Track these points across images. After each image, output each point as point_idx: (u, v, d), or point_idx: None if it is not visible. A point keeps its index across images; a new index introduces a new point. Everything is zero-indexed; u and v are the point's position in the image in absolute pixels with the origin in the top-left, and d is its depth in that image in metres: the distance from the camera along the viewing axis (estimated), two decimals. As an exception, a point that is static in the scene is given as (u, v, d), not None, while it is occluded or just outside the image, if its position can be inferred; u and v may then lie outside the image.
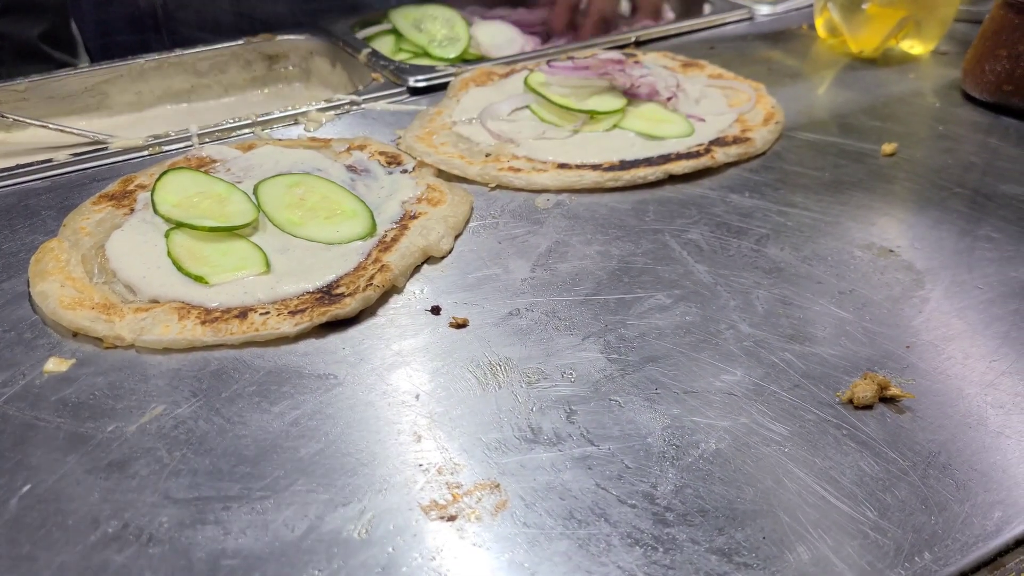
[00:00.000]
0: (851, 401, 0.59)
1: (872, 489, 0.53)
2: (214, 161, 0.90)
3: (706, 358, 0.64)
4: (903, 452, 0.56)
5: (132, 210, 0.82)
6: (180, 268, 0.72)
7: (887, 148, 0.92)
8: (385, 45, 1.28)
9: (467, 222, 0.82)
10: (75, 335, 0.68)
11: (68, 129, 1.10)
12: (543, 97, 0.98)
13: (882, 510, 0.51)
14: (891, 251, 0.76)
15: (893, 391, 0.59)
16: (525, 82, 1.02)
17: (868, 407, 0.59)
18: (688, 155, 0.89)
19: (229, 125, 0.99)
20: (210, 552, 0.49)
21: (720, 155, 0.89)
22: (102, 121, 1.18)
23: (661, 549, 0.49)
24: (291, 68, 1.29)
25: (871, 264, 0.74)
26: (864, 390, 0.59)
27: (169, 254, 0.73)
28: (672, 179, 0.87)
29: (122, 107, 1.20)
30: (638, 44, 1.24)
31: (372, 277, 0.71)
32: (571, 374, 0.63)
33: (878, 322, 0.67)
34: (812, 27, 1.27)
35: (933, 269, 0.73)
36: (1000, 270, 0.73)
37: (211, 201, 0.79)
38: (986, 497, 0.52)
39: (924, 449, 0.56)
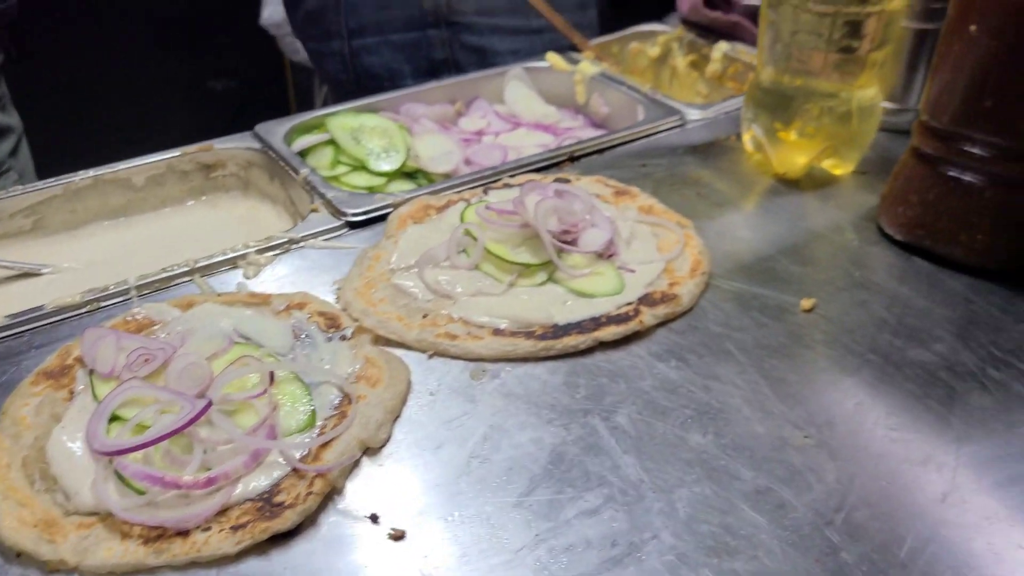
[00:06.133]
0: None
1: None
2: (153, 323, 0.91)
3: (630, 576, 0.68)
4: None
5: (72, 393, 0.83)
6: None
7: (805, 304, 0.97)
8: (324, 156, 1.29)
9: (404, 401, 0.84)
10: (19, 555, 0.69)
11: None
12: (475, 239, 1.00)
13: None
14: (807, 437, 0.80)
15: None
16: (462, 219, 1.05)
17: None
18: (618, 318, 0.92)
19: (167, 274, 1.00)
20: None
21: (648, 317, 0.93)
22: (37, 243, 1.18)
23: None
24: (229, 177, 1.30)
25: (787, 456, 0.78)
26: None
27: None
28: (603, 344, 0.91)
29: (57, 227, 1.20)
30: (572, 160, 1.27)
31: (312, 483, 0.74)
32: (504, 600, 0.66)
33: (793, 529, 0.72)
34: (739, 137, 1.32)
35: (848, 470, 0.76)
36: (907, 469, 0.78)
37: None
38: None
39: None
